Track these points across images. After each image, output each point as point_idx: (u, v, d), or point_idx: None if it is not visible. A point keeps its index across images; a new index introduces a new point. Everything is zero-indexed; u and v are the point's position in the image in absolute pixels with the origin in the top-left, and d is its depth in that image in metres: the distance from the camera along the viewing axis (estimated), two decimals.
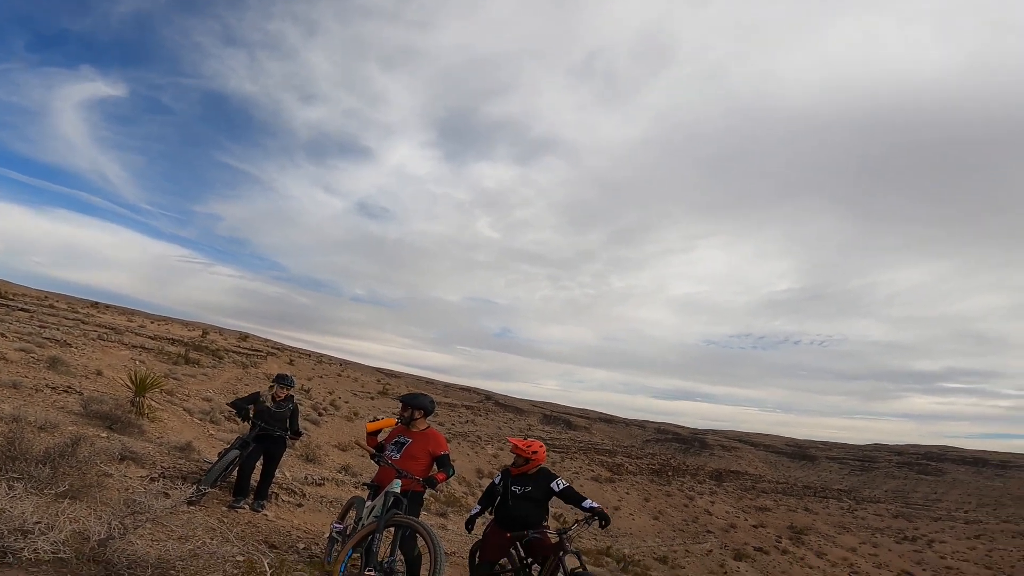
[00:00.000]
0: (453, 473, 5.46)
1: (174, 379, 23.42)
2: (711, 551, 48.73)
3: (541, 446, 5.90)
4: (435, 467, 5.47)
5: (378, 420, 6.35)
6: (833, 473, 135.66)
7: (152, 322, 59.11)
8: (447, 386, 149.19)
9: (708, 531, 54.91)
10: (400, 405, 5.86)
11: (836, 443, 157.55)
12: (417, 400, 5.82)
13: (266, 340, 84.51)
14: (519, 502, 5.59)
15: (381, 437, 6.03)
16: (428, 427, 5.79)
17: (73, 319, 34.55)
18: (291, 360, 66.67)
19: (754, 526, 59.34)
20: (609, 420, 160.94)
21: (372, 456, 5.59)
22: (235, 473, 7.70)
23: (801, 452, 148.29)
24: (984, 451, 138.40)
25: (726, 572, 44.55)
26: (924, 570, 54.32)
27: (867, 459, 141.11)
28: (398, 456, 5.48)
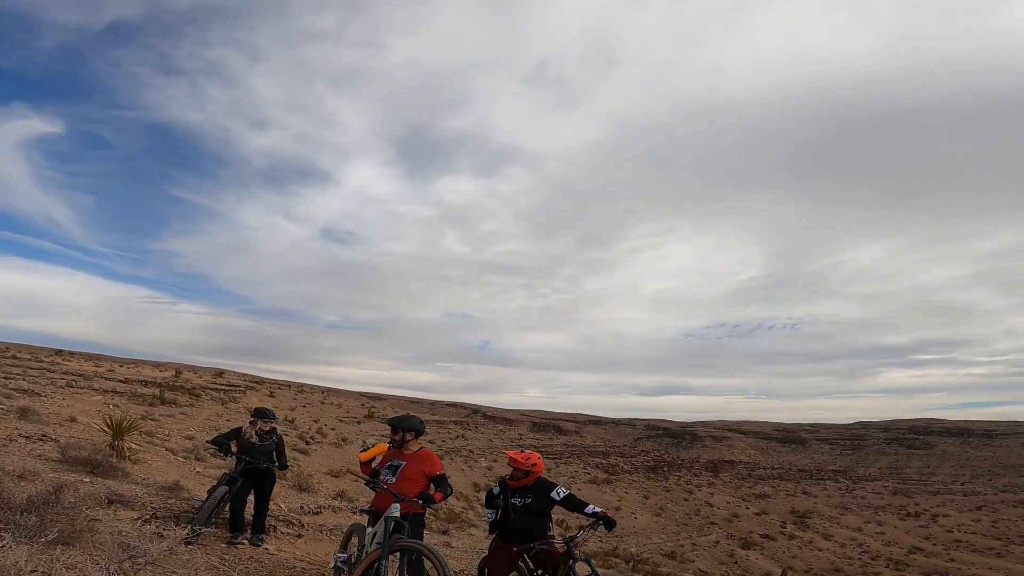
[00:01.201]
0: (451, 492, 5.39)
1: (152, 420, 22.67)
2: (718, 542, 48.93)
3: (539, 457, 5.84)
4: (432, 487, 5.38)
5: (369, 448, 6.27)
6: (825, 455, 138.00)
7: (121, 366, 57.68)
8: (433, 403, 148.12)
9: (712, 523, 55.17)
10: (390, 429, 5.74)
11: (823, 424, 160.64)
12: (407, 422, 5.72)
13: (243, 375, 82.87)
14: (521, 514, 5.52)
15: (374, 464, 5.95)
16: (421, 448, 5.71)
17: (38, 368, 33.41)
18: (271, 392, 65.46)
19: (757, 513, 59.84)
20: (598, 422, 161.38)
21: (367, 483, 5.46)
22: (228, 509, 7.49)
23: (791, 436, 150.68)
24: (967, 420, 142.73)
25: (736, 561, 44.76)
26: (934, 545, 55.07)
27: (856, 438, 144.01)
28: (394, 480, 5.39)
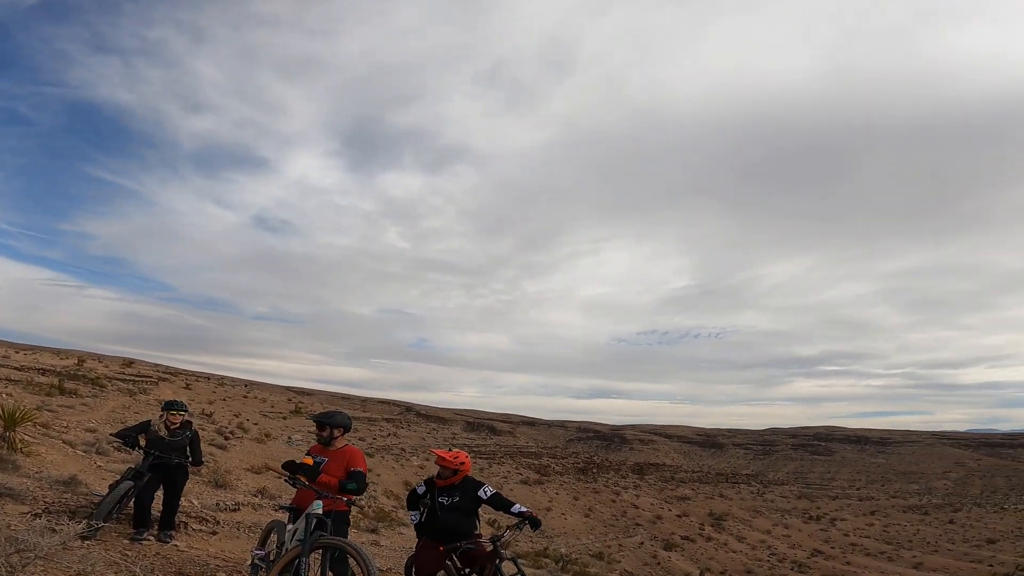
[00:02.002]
0: (356, 488, 5.18)
1: (49, 411, 20.82)
2: (642, 543, 50.53)
3: (467, 456, 5.90)
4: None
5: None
6: (740, 459, 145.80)
7: (17, 352, 52.66)
8: (364, 400, 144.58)
9: (637, 524, 56.92)
10: (315, 425, 5.61)
11: (739, 429, 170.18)
12: (334, 418, 5.62)
13: (156, 365, 77.65)
14: (448, 513, 5.51)
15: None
16: (346, 444, 5.62)
17: None
18: (187, 384, 61.61)
19: (678, 515, 62.31)
20: (532, 423, 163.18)
21: (287, 480, 5.24)
22: (132, 505, 7.02)
23: (710, 441, 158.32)
24: (865, 429, 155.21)
25: (659, 562, 46.34)
26: (833, 548, 58.86)
27: (767, 443, 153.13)
28: (300, 487, 5.25)
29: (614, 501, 62.84)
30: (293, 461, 5.29)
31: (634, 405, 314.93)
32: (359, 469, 5.33)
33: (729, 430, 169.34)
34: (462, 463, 5.68)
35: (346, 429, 5.62)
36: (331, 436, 5.50)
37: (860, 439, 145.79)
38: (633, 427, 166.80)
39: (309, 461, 5.29)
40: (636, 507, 62.45)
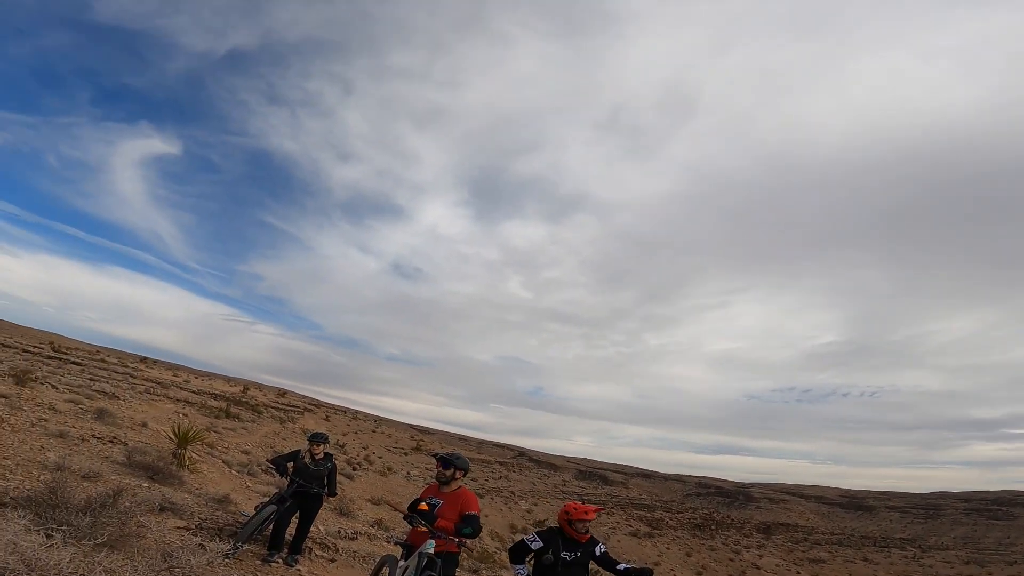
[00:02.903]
0: (471, 532, 5.24)
1: (215, 432, 23.64)
2: None
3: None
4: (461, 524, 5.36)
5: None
6: (894, 522, 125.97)
7: (196, 377, 60.19)
8: (480, 443, 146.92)
9: None
10: (437, 463, 5.76)
11: (895, 492, 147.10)
12: (459, 460, 5.74)
13: (303, 396, 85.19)
14: (570, 569, 5.31)
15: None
16: (461, 486, 5.72)
17: (123, 373, 35.64)
18: (327, 416, 66.70)
19: None
20: (647, 475, 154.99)
21: (405, 517, 5.47)
22: (271, 528, 7.69)
23: (856, 503, 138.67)
24: None
25: None
26: None
27: (931, 507, 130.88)
28: (416, 526, 5.38)
29: (732, 560, 57.06)
30: (416, 502, 5.53)
31: (765, 463, 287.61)
32: (473, 513, 5.38)
33: (882, 492, 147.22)
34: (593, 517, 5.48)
35: (466, 472, 5.73)
36: (452, 476, 5.63)
37: None
38: (762, 485, 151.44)
39: (425, 507, 5.45)
40: (758, 567, 56.17)
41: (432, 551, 4.98)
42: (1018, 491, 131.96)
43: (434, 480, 5.83)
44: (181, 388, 39.73)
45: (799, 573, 56.78)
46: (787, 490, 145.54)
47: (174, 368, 72.25)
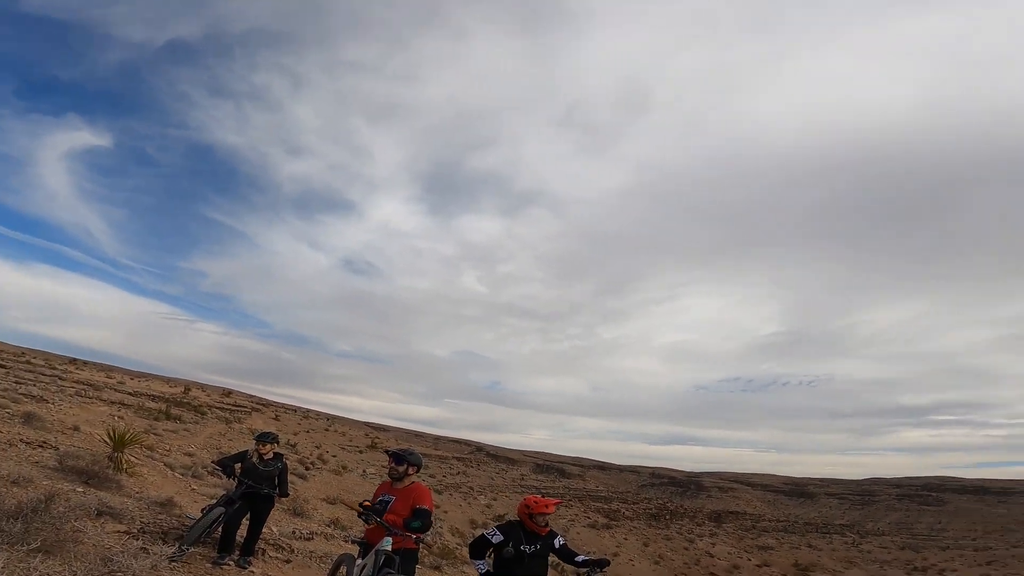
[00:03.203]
0: (420, 526, 5.13)
1: (155, 435, 22.65)
2: None
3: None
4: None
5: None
6: (833, 508, 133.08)
7: (132, 379, 57.86)
8: (437, 439, 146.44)
9: (711, 573, 53.16)
10: (391, 459, 5.65)
11: (833, 479, 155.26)
12: (412, 456, 5.68)
13: (250, 396, 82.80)
14: (532, 561, 5.34)
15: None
16: (414, 482, 5.64)
17: (51, 375, 33.75)
18: (276, 416, 65.11)
19: (758, 565, 57.71)
20: (603, 467, 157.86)
21: (360, 515, 5.36)
22: (220, 530, 7.41)
23: (799, 490, 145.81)
24: (984, 479, 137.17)
25: None
26: None
27: (866, 493, 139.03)
28: (371, 524, 5.33)
29: (687, 548, 59.09)
30: (366, 502, 5.42)
31: (714, 452, 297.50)
32: (424, 507, 5.31)
33: (822, 479, 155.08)
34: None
35: (419, 467, 5.69)
36: (405, 472, 5.56)
37: (978, 489, 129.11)
38: (712, 474, 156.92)
39: (368, 503, 5.38)
40: (711, 555, 58.36)
41: (390, 548, 4.89)
42: (946, 476, 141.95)
43: (387, 477, 5.75)
44: (115, 390, 37.88)
45: (750, 560, 59.28)
46: (735, 479, 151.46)
47: (107, 369, 68.65)
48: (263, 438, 7.88)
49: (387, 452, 5.86)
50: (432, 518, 5.38)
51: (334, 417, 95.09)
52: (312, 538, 13.03)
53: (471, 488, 58.88)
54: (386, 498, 5.47)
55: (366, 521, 5.32)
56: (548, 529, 5.46)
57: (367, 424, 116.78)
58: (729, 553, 60.37)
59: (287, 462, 8.23)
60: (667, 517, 70.52)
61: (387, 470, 5.75)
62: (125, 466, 11.77)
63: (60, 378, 33.73)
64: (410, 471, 5.57)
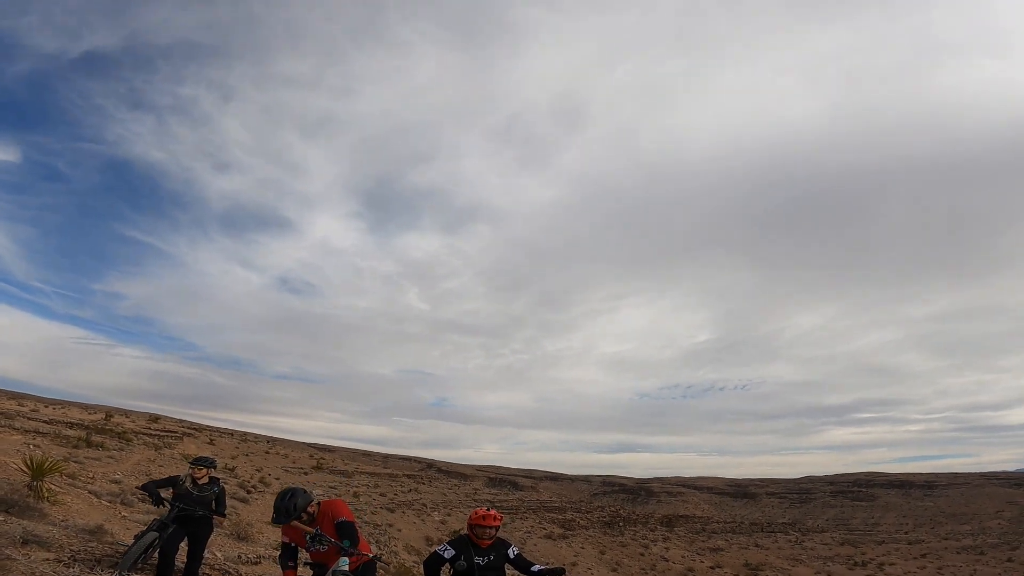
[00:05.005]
0: (350, 544, 4.88)
1: (76, 462, 21.00)
2: None
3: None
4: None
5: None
6: (775, 508, 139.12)
7: (47, 406, 53.83)
8: (386, 457, 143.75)
9: None
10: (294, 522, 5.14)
11: (772, 479, 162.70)
12: (300, 499, 5.09)
13: (180, 421, 78.35)
14: (487, 574, 5.38)
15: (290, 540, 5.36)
16: (320, 503, 5.27)
17: None
18: (211, 440, 61.92)
19: (711, 567, 59.32)
20: (555, 478, 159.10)
21: (309, 543, 5.05)
22: (156, 555, 6.94)
23: (742, 491, 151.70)
24: (908, 473, 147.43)
25: None
26: None
27: (803, 491, 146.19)
28: (324, 549, 5.04)
29: (642, 554, 60.06)
30: (289, 548, 5.18)
31: (660, 458, 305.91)
32: (343, 519, 5.04)
33: (761, 480, 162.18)
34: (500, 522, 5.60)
35: (305, 509, 5.09)
36: (312, 520, 5.08)
37: (904, 483, 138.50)
38: (660, 480, 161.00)
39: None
40: (666, 560, 59.58)
41: (347, 568, 4.71)
42: (874, 472, 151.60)
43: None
44: (28, 418, 35.02)
45: (703, 562, 60.85)
46: (682, 483, 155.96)
47: (18, 397, 63.30)
48: (198, 463, 7.53)
49: (274, 522, 5.24)
50: (356, 529, 5.09)
51: (274, 439, 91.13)
52: (260, 562, 12.42)
53: (424, 505, 57.60)
54: (316, 533, 5.06)
55: (317, 549, 5.06)
56: (491, 542, 5.47)
57: (311, 445, 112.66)
58: (683, 556, 61.81)
59: (224, 486, 7.86)
60: (621, 524, 71.44)
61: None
62: (47, 494, 11.11)
63: None
64: (311, 510, 5.10)
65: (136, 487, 12.57)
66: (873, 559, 69.45)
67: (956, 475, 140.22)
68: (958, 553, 73.75)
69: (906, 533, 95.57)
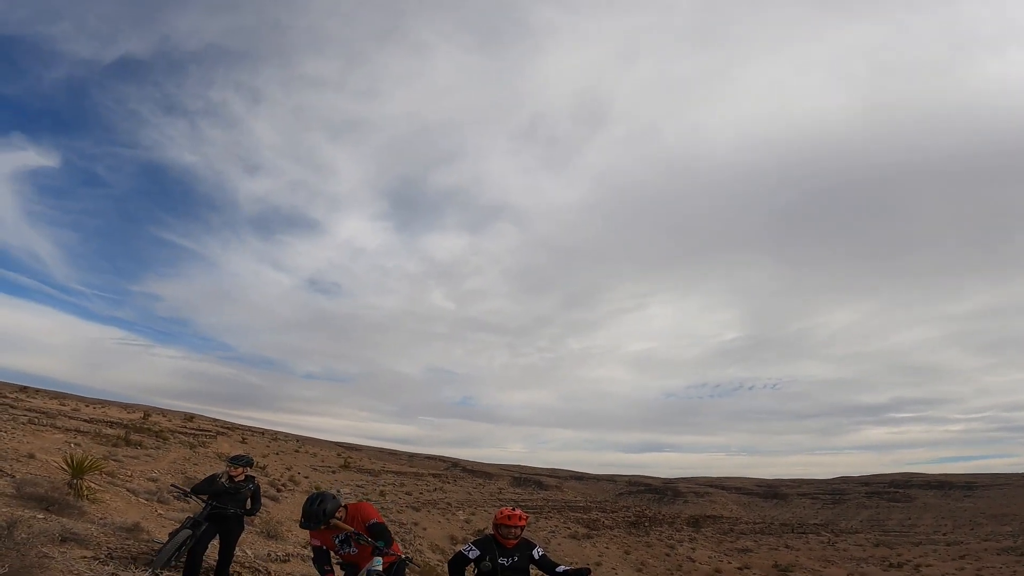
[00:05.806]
0: (385, 544, 4.96)
1: (115, 461, 21.72)
2: None
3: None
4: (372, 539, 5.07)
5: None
6: (806, 509, 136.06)
7: (88, 405, 55.70)
8: (412, 456, 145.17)
9: None
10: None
11: (804, 479, 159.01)
12: (329, 504, 5.12)
13: (214, 420, 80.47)
14: (511, 574, 5.37)
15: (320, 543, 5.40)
16: (348, 505, 5.36)
17: (0, 404, 32.07)
18: (243, 438, 63.42)
19: (739, 568, 58.36)
20: (580, 477, 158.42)
21: (348, 539, 5.13)
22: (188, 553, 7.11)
23: (772, 491, 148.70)
24: (947, 474, 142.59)
25: None
26: None
27: (837, 492, 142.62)
28: (355, 552, 5.11)
29: (668, 555, 59.41)
30: (321, 552, 5.19)
31: (687, 458, 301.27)
32: (374, 520, 5.12)
33: (793, 480, 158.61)
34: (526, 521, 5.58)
35: (331, 516, 5.10)
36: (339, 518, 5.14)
37: (943, 484, 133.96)
38: (687, 480, 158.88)
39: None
40: (692, 560, 58.80)
41: (380, 567, 4.77)
42: (911, 472, 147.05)
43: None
44: (70, 417, 36.32)
45: (730, 563, 59.87)
46: (710, 483, 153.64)
47: (60, 397, 65.85)
48: (236, 461, 7.76)
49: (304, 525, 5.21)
50: (389, 530, 5.16)
51: (304, 438, 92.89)
52: (289, 560, 12.66)
53: (449, 504, 58.01)
54: (345, 535, 5.17)
55: (347, 548, 5.13)
56: (516, 542, 5.45)
57: (339, 444, 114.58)
58: (710, 557, 60.95)
59: (259, 484, 8.06)
60: (646, 524, 70.80)
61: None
62: (86, 492, 11.44)
63: (11, 406, 32.26)
64: (339, 514, 5.16)
65: (171, 484, 13.03)
66: (909, 560, 67.36)
67: (997, 475, 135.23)
68: (998, 554, 71.03)
69: (944, 534, 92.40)
